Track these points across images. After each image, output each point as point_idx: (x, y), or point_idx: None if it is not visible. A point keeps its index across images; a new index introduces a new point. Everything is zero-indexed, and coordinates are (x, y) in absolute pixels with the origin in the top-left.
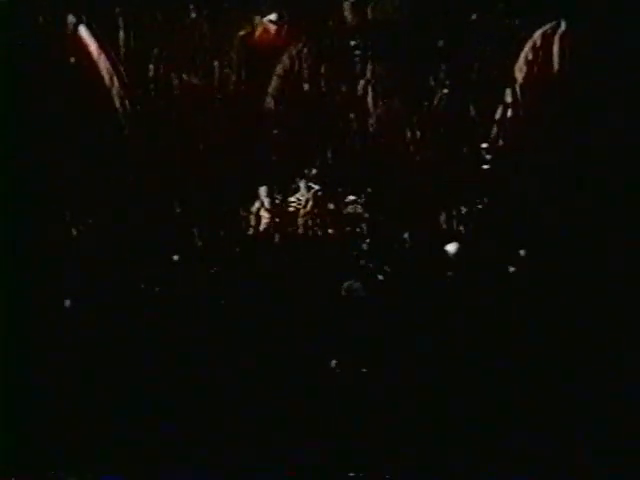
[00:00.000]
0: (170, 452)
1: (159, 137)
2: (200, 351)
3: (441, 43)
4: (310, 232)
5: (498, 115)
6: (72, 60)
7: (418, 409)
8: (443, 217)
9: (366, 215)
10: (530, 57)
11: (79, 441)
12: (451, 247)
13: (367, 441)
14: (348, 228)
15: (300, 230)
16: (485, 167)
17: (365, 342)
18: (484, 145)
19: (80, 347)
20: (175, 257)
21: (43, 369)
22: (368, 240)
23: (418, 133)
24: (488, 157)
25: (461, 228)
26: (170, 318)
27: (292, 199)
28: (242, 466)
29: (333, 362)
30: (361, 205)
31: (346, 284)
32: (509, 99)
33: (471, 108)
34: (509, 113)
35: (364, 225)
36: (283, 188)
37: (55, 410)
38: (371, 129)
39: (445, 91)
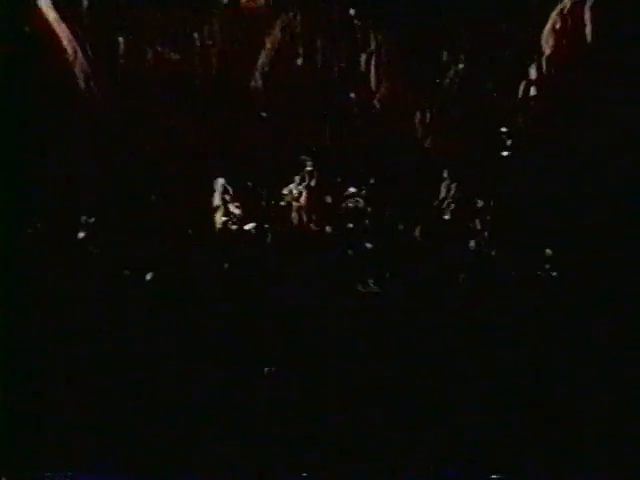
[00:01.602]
0: (169, 452)
1: (130, 121)
2: (197, 351)
3: (455, 10)
4: (304, 229)
5: (521, 94)
6: (27, 29)
7: (426, 407)
8: (456, 211)
9: (368, 209)
10: (558, 25)
11: (77, 441)
12: None
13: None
14: (348, 224)
15: (293, 226)
16: (505, 154)
17: (368, 341)
18: (504, 129)
19: (79, 347)
20: (159, 253)
21: (43, 368)
22: (370, 238)
23: (428, 116)
24: (508, 143)
25: (476, 223)
26: (170, 318)
27: (284, 191)
28: (246, 467)
29: (332, 360)
30: (362, 198)
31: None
32: (534, 75)
33: (489, 86)
34: (533, 91)
35: (366, 221)
36: (273, 179)
37: (54, 410)
38: (374, 111)
39: (460, 66)
